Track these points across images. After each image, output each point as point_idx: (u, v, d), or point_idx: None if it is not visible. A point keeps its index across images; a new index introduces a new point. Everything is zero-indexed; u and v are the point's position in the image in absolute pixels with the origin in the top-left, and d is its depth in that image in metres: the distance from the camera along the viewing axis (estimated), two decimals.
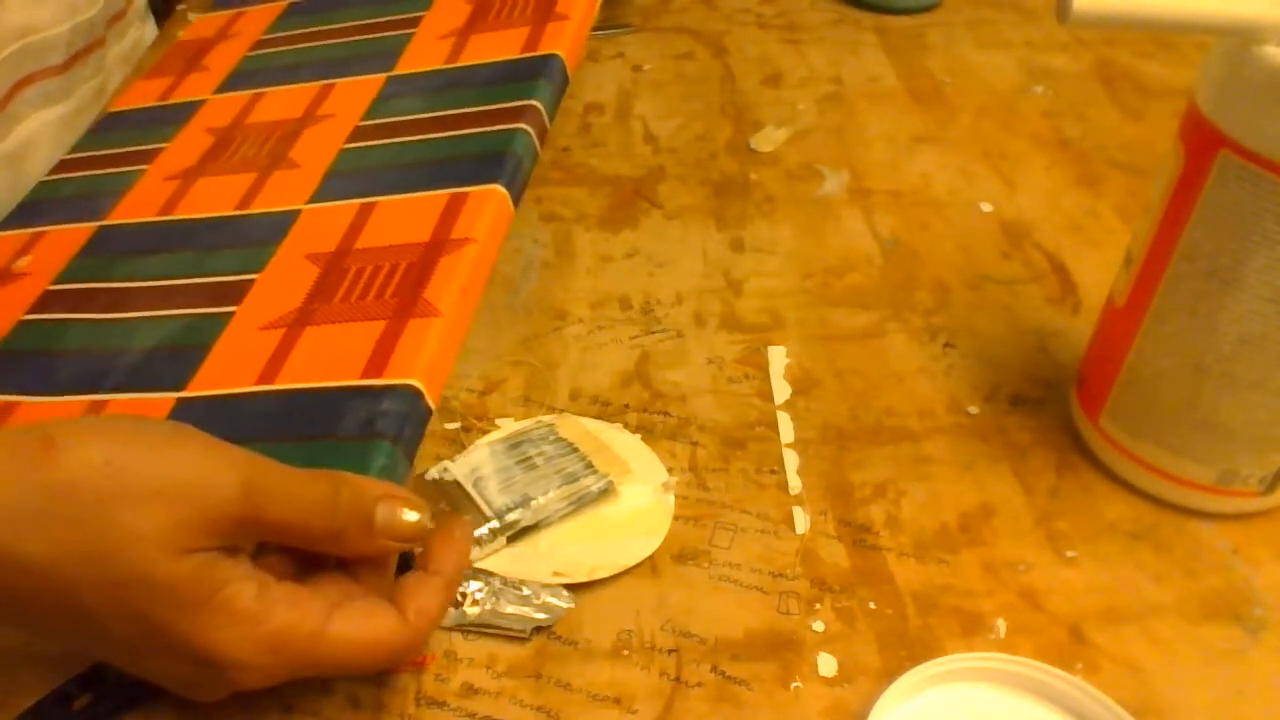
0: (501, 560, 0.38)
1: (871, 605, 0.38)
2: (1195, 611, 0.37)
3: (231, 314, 0.43)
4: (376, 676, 0.36)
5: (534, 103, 0.50)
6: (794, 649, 0.36)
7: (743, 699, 0.35)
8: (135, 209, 0.51)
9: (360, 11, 0.62)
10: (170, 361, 0.42)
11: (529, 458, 0.41)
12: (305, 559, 0.33)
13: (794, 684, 0.35)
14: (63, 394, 0.41)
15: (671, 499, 0.41)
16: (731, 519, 0.40)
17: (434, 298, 0.41)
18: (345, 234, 0.46)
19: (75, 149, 0.57)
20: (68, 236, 0.50)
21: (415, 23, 0.60)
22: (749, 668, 0.36)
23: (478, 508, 0.39)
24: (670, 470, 0.42)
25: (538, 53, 0.53)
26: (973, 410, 0.45)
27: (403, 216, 0.46)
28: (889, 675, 0.34)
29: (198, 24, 0.66)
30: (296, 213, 0.48)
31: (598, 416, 0.44)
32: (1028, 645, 0.36)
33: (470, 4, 0.60)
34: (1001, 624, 0.37)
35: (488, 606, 0.37)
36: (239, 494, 0.29)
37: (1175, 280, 0.37)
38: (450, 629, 0.37)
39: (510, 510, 0.39)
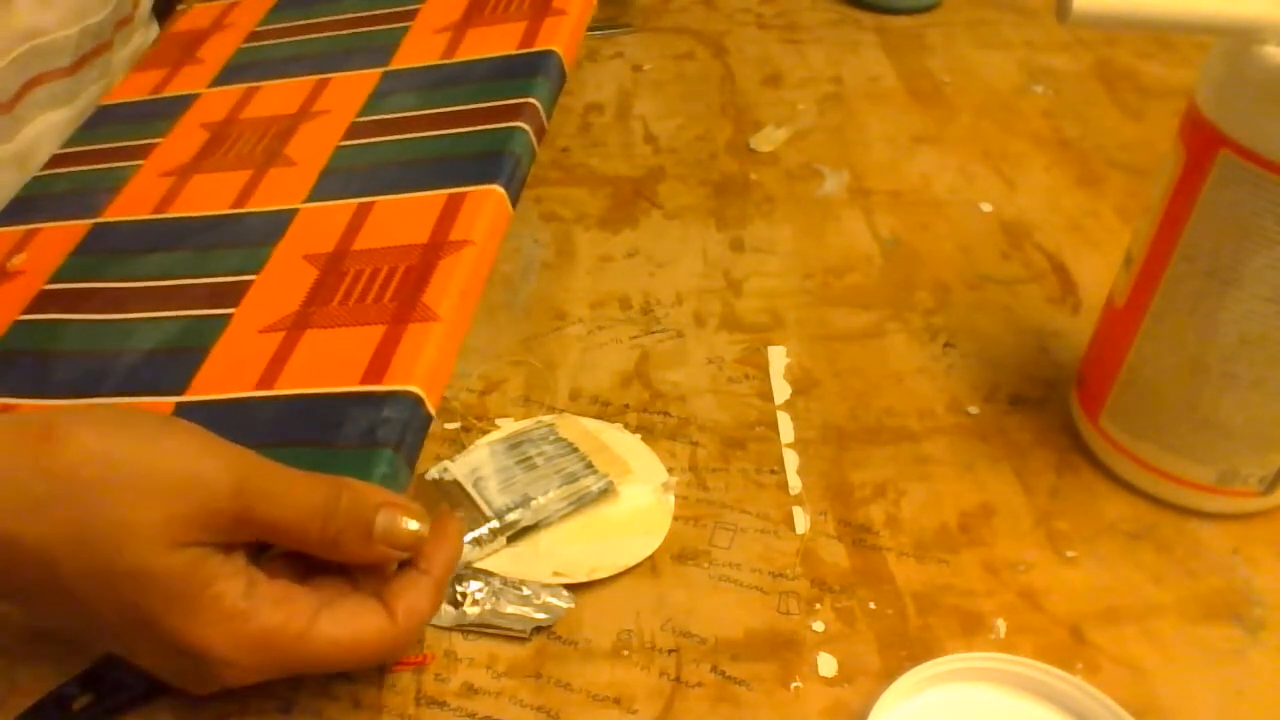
0: (501, 560, 0.38)
1: (871, 605, 0.38)
2: (1195, 611, 0.37)
3: (230, 316, 0.43)
4: (378, 677, 0.36)
5: (531, 100, 0.50)
6: (794, 649, 0.36)
7: (743, 699, 0.35)
8: (130, 206, 0.51)
9: (356, 3, 0.62)
10: (169, 364, 0.41)
11: (529, 458, 0.41)
12: (309, 563, 0.33)
13: (794, 684, 0.35)
14: (60, 396, 0.41)
15: (671, 499, 0.41)
16: (731, 519, 0.40)
17: (433, 301, 0.41)
18: (343, 235, 0.46)
19: (69, 143, 0.56)
20: (62, 234, 0.50)
21: (411, 15, 0.59)
22: (749, 668, 0.36)
23: (478, 508, 0.39)
24: (670, 470, 0.42)
25: (535, 49, 0.53)
26: (973, 410, 0.45)
27: (400, 217, 0.46)
28: (889, 675, 0.34)
29: (192, 14, 0.65)
30: (294, 212, 0.48)
31: (598, 416, 0.44)
32: (1028, 645, 0.36)
33: None
34: (1001, 624, 0.37)
35: (488, 606, 0.37)
36: (232, 491, 0.30)
37: (1175, 280, 0.37)
38: (450, 629, 0.37)
39: (510, 510, 0.39)
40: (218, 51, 0.61)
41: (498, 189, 0.45)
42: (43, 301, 0.46)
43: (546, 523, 0.39)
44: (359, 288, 0.43)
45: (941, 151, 0.60)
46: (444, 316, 0.40)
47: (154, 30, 0.74)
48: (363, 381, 0.38)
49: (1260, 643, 0.37)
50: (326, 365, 0.40)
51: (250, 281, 0.44)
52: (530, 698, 0.35)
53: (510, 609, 0.37)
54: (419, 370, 0.38)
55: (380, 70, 0.56)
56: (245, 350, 0.41)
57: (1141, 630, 0.37)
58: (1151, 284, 0.38)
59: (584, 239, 0.54)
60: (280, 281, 0.44)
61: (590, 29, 0.60)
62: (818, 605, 0.38)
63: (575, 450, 0.42)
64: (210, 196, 0.50)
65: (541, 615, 0.37)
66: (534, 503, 0.39)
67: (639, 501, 0.41)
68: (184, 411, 0.39)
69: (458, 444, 0.43)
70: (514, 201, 0.46)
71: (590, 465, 0.41)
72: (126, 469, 0.29)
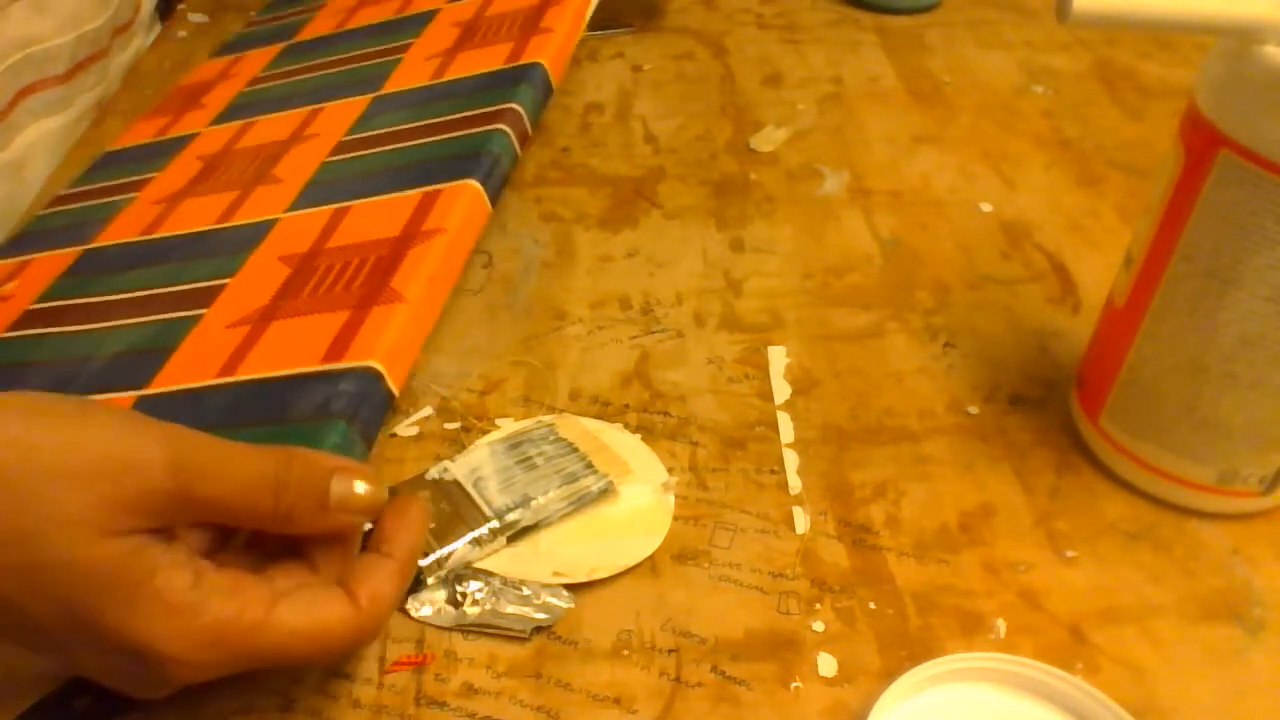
0: (501, 560, 0.38)
1: (871, 605, 0.38)
2: (1195, 611, 0.37)
3: (200, 316, 0.43)
4: (377, 677, 0.36)
5: (513, 106, 0.50)
6: (794, 649, 0.36)
7: (743, 699, 0.35)
8: (120, 232, 0.51)
9: (355, 44, 0.63)
10: (135, 363, 0.41)
11: (529, 458, 0.41)
12: (264, 554, 0.31)
13: (794, 684, 0.35)
14: None
15: (671, 499, 0.41)
16: (731, 519, 0.40)
17: (400, 285, 0.41)
18: (318, 236, 0.46)
19: (73, 184, 0.57)
20: (53, 261, 0.50)
21: (405, 49, 0.60)
22: (749, 668, 0.36)
23: (478, 508, 0.39)
24: (670, 470, 0.42)
25: (521, 62, 0.54)
26: (973, 410, 0.45)
27: (377, 216, 0.46)
28: (889, 675, 0.34)
29: (201, 69, 0.67)
30: (274, 221, 0.48)
31: (598, 416, 0.44)
32: (1028, 645, 0.36)
33: (459, 28, 0.60)
34: (1001, 624, 0.37)
35: (488, 606, 0.37)
36: (165, 470, 0.27)
37: (1175, 280, 0.37)
38: (450, 629, 0.37)
39: (510, 510, 0.39)
40: (219, 97, 0.62)
41: (473, 183, 0.45)
42: (25, 320, 0.46)
43: (546, 523, 0.39)
44: (329, 280, 0.43)
45: (941, 151, 0.60)
46: (410, 298, 0.40)
47: (156, 30, 0.74)
48: (323, 362, 0.38)
49: (1260, 643, 0.37)
50: (289, 350, 0.39)
51: (224, 285, 0.45)
52: (530, 698, 0.35)
53: (510, 609, 0.37)
54: (380, 347, 0.38)
55: (371, 95, 0.57)
56: (210, 344, 0.41)
57: (1141, 630, 0.37)
58: (1151, 284, 0.38)
59: (584, 239, 0.54)
60: (253, 281, 0.44)
61: (590, 29, 0.60)
62: (818, 605, 0.38)
63: (575, 450, 0.42)
64: (197, 216, 0.51)
65: (541, 615, 0.37)
66: (534, 503, 0.39)
67: (639, 501, 0.41)
68: (143, 403, 0.39)
69: (458, 444, 0.43)
70: (493, 198, 0.46)
71: (590, 465, 0.41)
72: (48, 454, 0.27)
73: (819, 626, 0.37)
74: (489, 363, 0.47)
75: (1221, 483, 0.39)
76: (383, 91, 0.56)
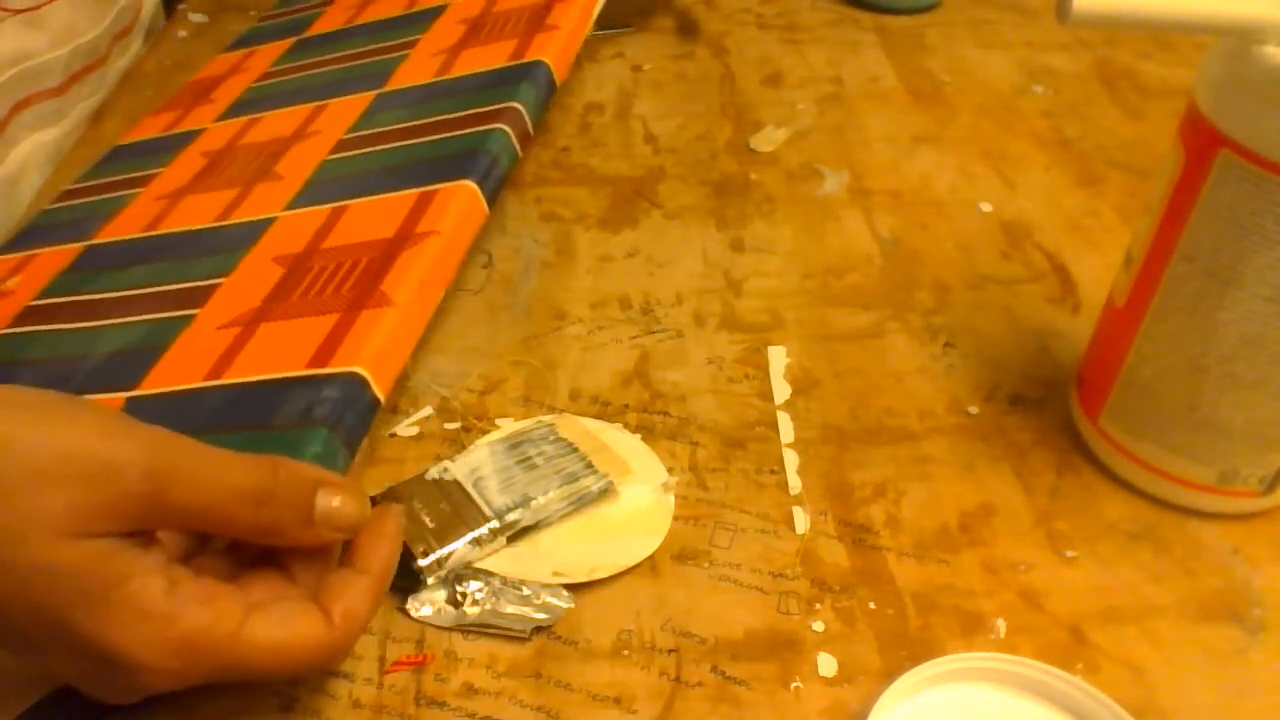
0: (501, 560, 0.38)
1: (871, 605, 0.38)
2: (1195, 611, 0.37)
3: (194, 316, 0.43)
4: (377, 677, 0.36)
5: (514, 104, 0.50)
6: (794, 649, 0.36)
7: (743, 699, 0.35)
8: (122, 228, 0.51)
9: (363, 40, 0.63)
10: (127, 363, 0.41)
11: (529, 458, 0.41)
12: (239, 561, 0.31)
13: (794, 684, 0.35)
14: None
15: (671, 499, 0.41)
16: (731, 519, 0.40)
17: (390, 289, 0.40)
18: (314, 236, 0.46)
19: (80, 179, 0.57)
20: (56, 257, 0.50)
21: (412, 44, 0.60)
22: (749, 668, 0.36)
23: (478, 508, 0.39)
24: (670, 470, 0.42)
25: (525, 60, 0.54)
26: (973, 410, 0.45)
27: (372, 216, 0.46)
28: (889, 675, 0.34)
29: (214, 63, 0.67)
30: (272, 220, 0.48)
31: (598, 416, 0.44)
32: (1028, 645, 0.36)
33: (465, 25, 0.60)
34: (1001, 624, 0.37)
35: (488, 606, 0.37)
36: (142, 475, 0.27)
37: (1175, 280, 0.37)
38: (450, 629, 0.37)
39: (510, 510, 0.39)
40: (229, 92, 0.62)
41: (469, 184, 0.45)
42: (25, 316, 0.46)
43: (546, 523, 0.39)
44: (320, 282, 0.42)
45: (941, 151, 0.60)
46: (399, 302, 0.40)
47: (160, 21, 0.73)
48: (309, 366, 0.38)
49: (1260, 643, 0.37)
50: (276, 354, 0.39)
51: (218, 284, 0.44)
52: (530, 698, 0.35)
53: (510, 609, 0.37)
54: (366, 352, 0.38)
55: (375, 92, 0.57)
56: (201, 346, 0.41)
57: (1141, 630, 0.37)
58: (1151, 284, 0.38)
59: (584, 239, 0.54)
60: (247, 282, 0.44)
61: (582, 40, 0.59)
62: (818, 605, 0.38)
63: (575, 450, 0.42)
64: (197, 213, 0.51)
65: (541, 615, 0.37)
66: (534, 503, 0.39)
67: (639, 501, 0.41)
68: (132, 405, 0.39)
69: (458, 444, 0.43)
70: (490, 199, 0.46)
71: (590, 465, 0.41)
72: (23, 452, 0.26)
73: (819, 626, 0.37)
74: (489, 363, 0.47)
75: (1221, 483, 0.39)
76: (386, 88, 0.56)
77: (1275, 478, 0.39)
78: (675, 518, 0.40)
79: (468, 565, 0.38)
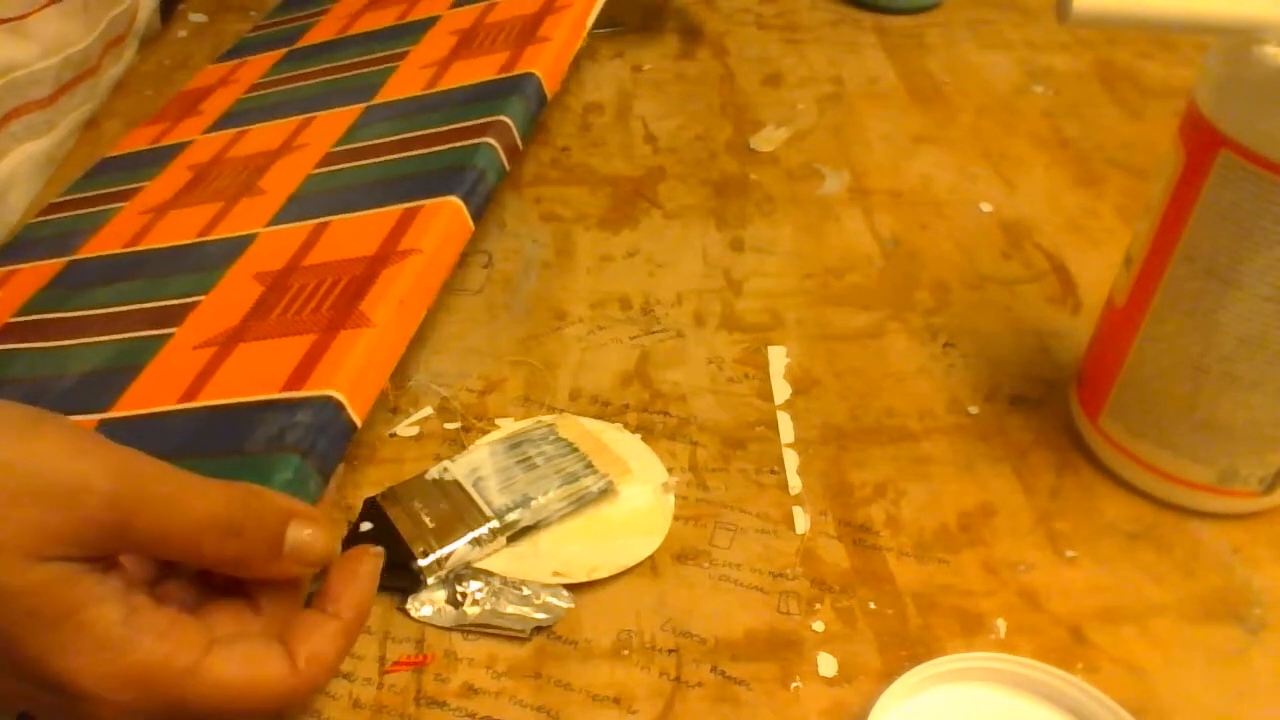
0: (501, 560, 0.38)
1: (871, 605, 0.38)
2: (1195, 611, 0.37)
3: (170, 335, 0.42)
4: (377, 677, 0.36)
5: (502, 118, 0.49)
6: (794, 649, 0.36)
7: (743, 699, 0.35)
8: (105, 243, 0.51)
9: (354, 51, 0.63)
10: (101, 384, 0.41)
11: (529, 458, 0.41)
12: (203, 591, 0.30)
13: (794, 684, 0.35)
14: None
15: (671, 499, 0.41)
16: (731, 519, 0.41)
17: (369, 309, 0.39)
18: (295, 253, 0.45)
19: (66, 192, 0.57)
20: (37, 272, 0.50)
21: (402, 56, 0.60)
22: (749, 668, 0.36)
23: (478, 508, 0.39)
24: (670, 470, 0.42)
25: (515, 72, 0.53)
26: (973, 410, 0.45)
27: (354, 233, 0.45)
28: (889, 675, 0.34)
29: (203, 74, 0.66)
30: (253, 236, 0.47)
31: (598, 416, 0.44)
32: (1028, 645, 0.36)
33: (456, 36, 0.60)
34: (1001, 624, 0.37)
35: (488, 606, 0.37)
36: (107, 499, 0.26)
37: (1175, 280, 0.37)
38: (450, 629, 0.37)
39: (510, 510, 0.39)
40: (218, 104, 0.62)
41: (454, 200, 0.44)
42: (3, 334, 0.46)
43: (546, 523, 0.39)
44: (299, 301, 0.42)
45: (941, 151, 0.60)
46: (378, 323, 0.39)
47: (156, 27, 0.73)
48: (283, 389, 0.37)
49: (1260, 643, 0.37)
50: (251, 376, 0.38)
51: (197, 302, 0.44)
52: (530, 698, 0.35)
53: (510, 609, 0.37)
54: (341, 375, 0.37)
55: (363, 104, 0.56)
56: (176, 366, 0.40)
57: (1141, 630, 0.37)
58: (1151, 284, 0.38)
59: (584, 239, 0.54)
60: (226, 300, 0.43)
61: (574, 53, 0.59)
62: (818, 605, 0.38)
63: (575, 450, 0.42)
64: (180, 228, 0.50)
65: (541, 615, 0.37)
66: (534, 503, 0.39)
67: (639, 501, 0.41)
68: (104, 428, 0.38)
69: (458, 444, 0.43)
70: (476, 214, 0.45)
71: (590, 465, 0.41)
72: None
73: (819, 626, 0.37)
74: (489, 363, 0.47)
75: (1221, 483, 0.39)
76: (375, 101, 0.56)
77: (1275, 478, 0.39)
78: (675, 518, 0.40)
79: (468, 565, 0.38)
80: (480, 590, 0.37)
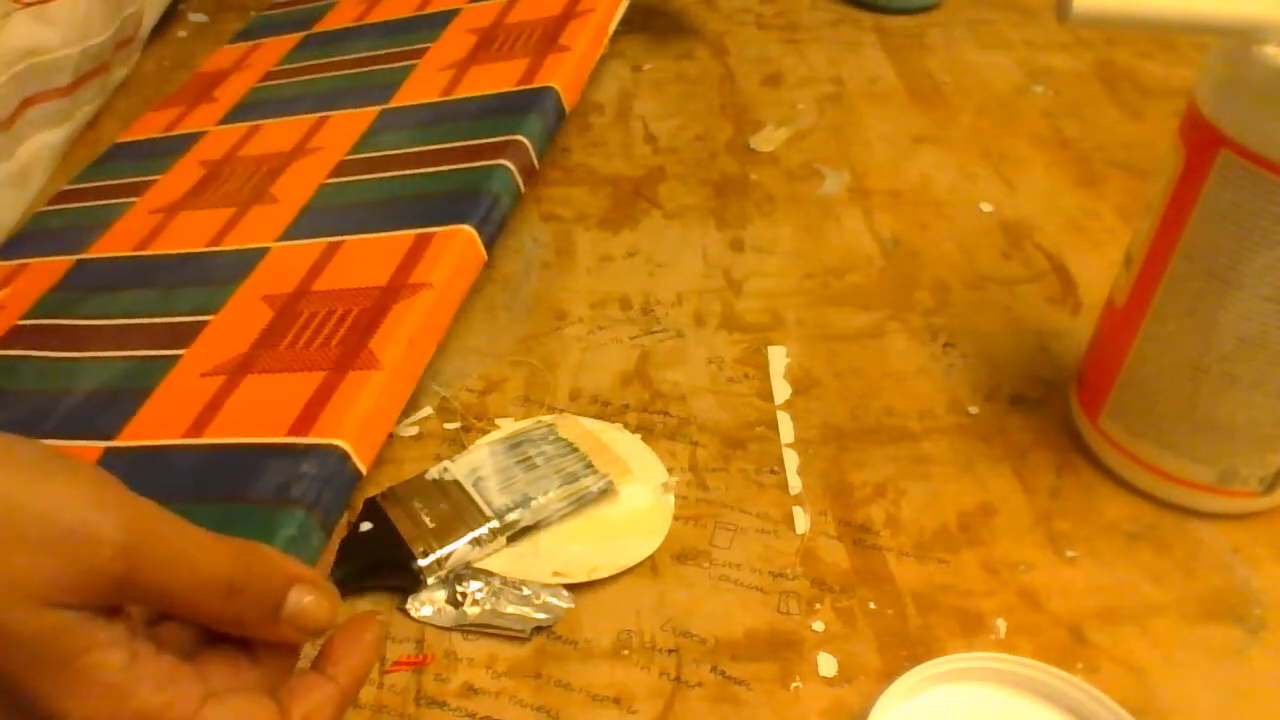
0: (501, 560, 0.38)
1: (871, 605, 0.38)
2: (1195, 611, 0.37)
3: (179, 357, 0.42)
4: (378, 677, 0.36)
5: (520, 137, 0.49)
6: (794, 649, 0.36)
7: (743, 699, 0.35)
8: (115, 243, 0.50)
9: (372, 43, 0.62)
10: (107, 406, 0.40)
11: (529, 458, 0.41)
12: (206, 632, 0.30)
13: (794, 684, 0.35)
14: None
15: (671, 499, 0.41)
16: (731, 519, 0.41)
17: (378, 348, 0.39)
18: (305, 275, 0.44)
19: (77, 180, 0.56)
20: (46, 270, 0.49)
21: (420, 53, 0.59)
22: (749, 668, 0.36)
23: (478, 508, 0.39)
24: (670, 470, 0.42)
25: (534, 85, 0.52)
26: (973, 410, 0.45)
27: (366, 257, 0.45)
28: (889, 675, 0.34)
29: (218, 55, 0.66)
30: (265, 250, 0.47)
31: (598, 416, 0.44)
32: (1028, 645, 0.36)
33: (475, 35, 0.59)
34: (1001, 624, 0.37)
35: (488, 606, 0.37)
36: (119, 552, 0.26)
37: (1175, 280, 0.37)
38: (450, 629, 0.37)
39: (510, 510, 0.39)
40: (232, 91, 0.61)
41: (467, 229, 0.44)
42: (11, 336, 0.45)
43: (546, 523, 0.39)
44: (309, 331, 0.41)
45: (941, 151, 0.60)
46: (387, 365, 0.39)
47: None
48: (290, 432, 0.37)
49: (1260, 643, 0.37)
50: (259, 413, 0.38)
51: (206, 322, 0.43)
52: (530, 698, 0.35)
53: (510, 609, 0.37)
54: (348, 423, 0.37)
55: (379, 107, 0.55)
56: (184, 394, 0.40)
57: (1141, 630, 0.37)
58: (1151, 284, 0.38)
59: (584, 239, 0.54)
60: (235, 322, 0.43)
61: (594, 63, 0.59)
62: (818, 605, 0.38)
63: (575, 450, 0.42)
64: (191, 234, 0.49)
65: (541, 615, 0.37)
66: (534, 503, 0.39)
67: (639, 501, 0.41)
68: (109, 458, 0.38)
69: (458, 444, 0.43)
70: (489, 242, 0.45)
71: (590, 465, 0.41)
72: (11, 512, 0.25)
73: (819, 626, 0.37)
74: (489, 363, 0.47)
75: (1221, 483, 0.39)
76: (391, 104, 0.55)
77: (1275, 478, 0.39)
78: (675, 518, 0.40)
79: (468, 565, 0.38)
80: (480, 590, 0.37)
